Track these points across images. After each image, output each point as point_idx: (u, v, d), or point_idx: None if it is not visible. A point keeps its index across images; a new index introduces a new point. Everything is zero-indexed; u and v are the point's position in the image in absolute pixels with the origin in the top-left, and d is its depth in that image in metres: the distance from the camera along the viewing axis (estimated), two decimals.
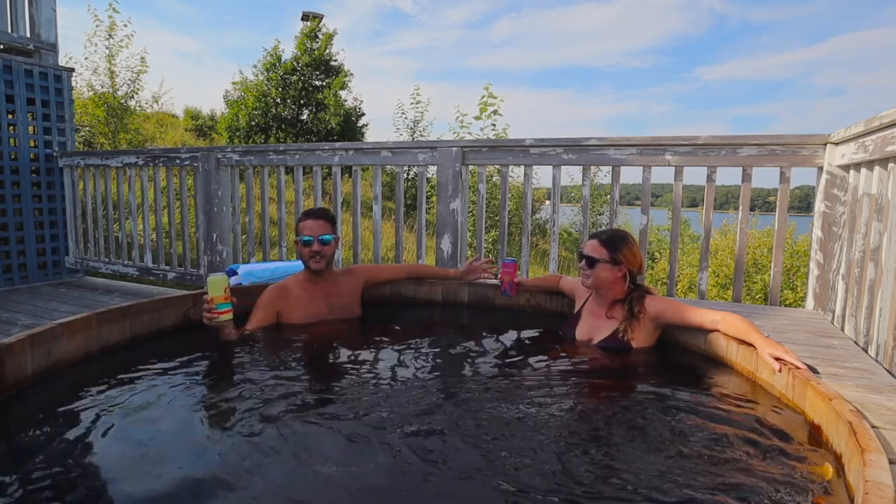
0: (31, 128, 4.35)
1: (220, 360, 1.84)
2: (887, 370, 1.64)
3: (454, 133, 8.37)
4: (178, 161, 3.92)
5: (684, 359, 1.91)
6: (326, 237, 2.19)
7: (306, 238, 2.17)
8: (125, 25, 8.80)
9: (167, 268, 4.17)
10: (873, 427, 1.18)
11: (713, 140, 2.51)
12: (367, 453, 1.22)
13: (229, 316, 1.89)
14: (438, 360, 1.96)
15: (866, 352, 1.84)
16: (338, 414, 1.43)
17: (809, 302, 2.49)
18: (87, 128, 8.84)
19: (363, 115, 14.99)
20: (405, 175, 9.20)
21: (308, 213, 2.25)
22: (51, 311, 3.58)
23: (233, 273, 2.78)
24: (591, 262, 1.98)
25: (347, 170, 8.53)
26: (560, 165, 2.88)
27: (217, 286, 1.86)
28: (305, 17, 14.53)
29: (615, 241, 1.97)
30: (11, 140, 4.23)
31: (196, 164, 3.76)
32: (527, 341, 2.18)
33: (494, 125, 7.98)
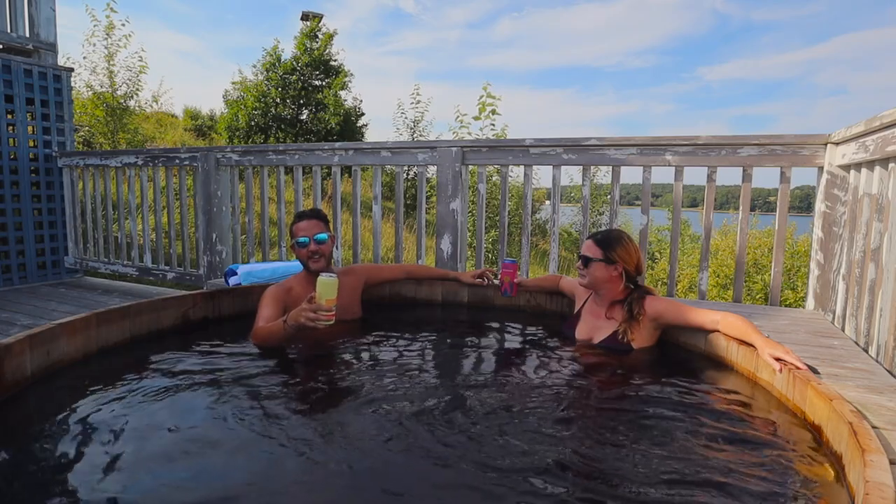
0: (30, 128, 4.35)
1: (219, 361, 1.83)
2: (888, 370, 1.64)
3: (454, 133, 8.36)
4: (177, 161, 3.92)
5: (684, 359, 1.91)
6: (322, 235, 2.19)
7: (302, 240, 2.16)
8: (123, 25, 8.81)
9: (167, 268, 4.16)
10: (874, 427, 1.18)
11: (713, 140, 2.51)
12: (368, 453, 1.21)
13: (333, 319, 1.78)
14: (438, 361, 1.96)
15: (867, 352, 1.83)
16: (338, 414, 1.43)
17: (810, 302, 2.49)
18: (87, 128, 8.84)
19: (363, 114, 15.00)
20: (405, 175, 9.20)
21: (301, 215, 2.23)
22: (50, 311, 3.58)
23: (232, 273, 2.78)
24: (586, 262, 1.99)
25: (347, 170, 8.53)
26: (560, 165, 2.87)
27: (333, 288, 1.72)
28: (305, 17, 14.54)
29: (610, 241, 1.98)
30: (11, 140, 4.22)
31: (195, 164, 3.75)
32: (527, 341, 2.18)
33: (493, 125, 7.98)
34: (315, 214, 2.24)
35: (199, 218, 3.80)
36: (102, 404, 1.45)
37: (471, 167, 3.18)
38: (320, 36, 13.79)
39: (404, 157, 3.14)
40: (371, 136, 16.55)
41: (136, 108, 9.91)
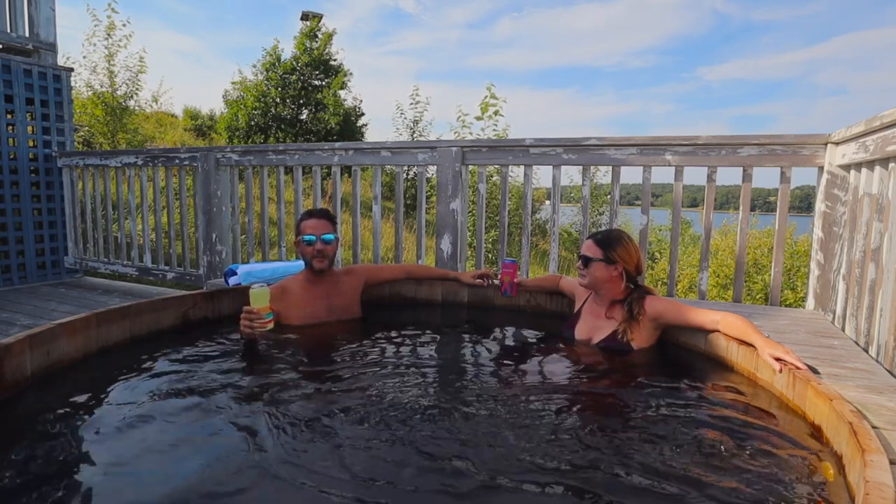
0: (30, 128, 4.34)
1: (219, 362, 1.83)
2: (888, 370, 1.64)
3: (455, 133, 8.37)
4: (177, 161, 3.92)
5: (684, 359, 1.91)
6: (329, 236, 2.20)
7: (309, 237, 2.17)
8: (124, 25, 8.82)
9: (166, 268, 4.16)
10: (874, 427, 1.18)
11: (713, 140, 2.51)
12: (367, 453, 1.21)
13: (272, 325, 1.92)
14: (438, 362, 1.96)
15: (867, 352, 1.83)
16: (338, 413, 1.43)
17: (810, 302, 2.49)
18: (86, 128, 8.84)
19: (363, 114, 15.01)
20: (405, 175, 9.20)
21: (310, 213, 2.25)
22: (50, 311, 3.58)
23: (232, 273, 2.78)
24: (587, 262, 1.99)
25: (347, 170, 8.53)
26: (560, 165, 2.87)
27: (263, 297, 1.89)
28: (305, 17, 14.55)
29: (610, 240, 1.98)
30: (10, 140, 4.22)
31: (195, 164, 3.75)
32: (527, 341, 2.18)
33: (496, 125, 7.98)
34: (325, 214, 2.26)
35: (198, 218, 3.80)
36: (102, 404, 1.45)
37: (471, 167, 3.18)
38: (320, 36, 13.80)
39: (404, 157, 3.14)
40: (371, 136, 16.57)
41: (136, 108, 9.91)
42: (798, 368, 1.46)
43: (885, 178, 1.82)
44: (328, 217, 2.25)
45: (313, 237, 2.17)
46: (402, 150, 3.14)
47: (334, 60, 14.04)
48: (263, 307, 1.89)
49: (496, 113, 7.78)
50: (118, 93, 9.01)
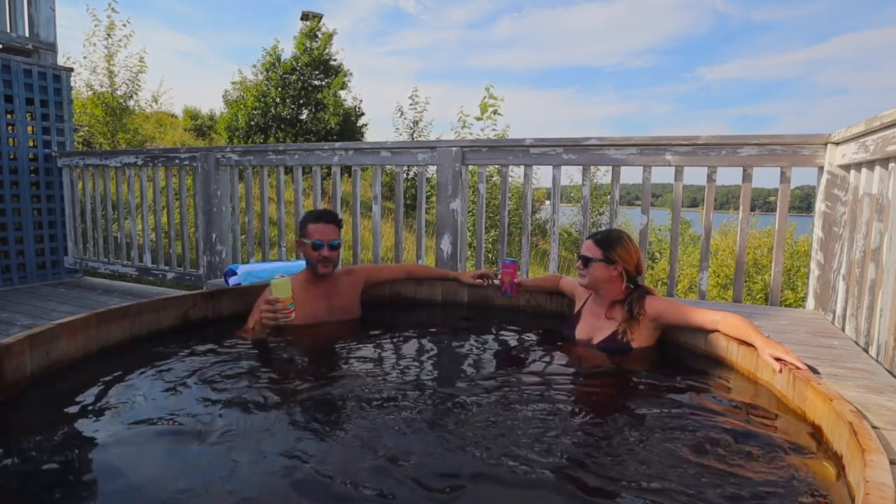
0: (29, 128, 4.35)
1: (219, 362, 1.83)
2: (888, 370, 1.64)
3: (455, 133, 8.38)
4: (177, 161, 3.92)
5: (684, 359, 1.91)
6: (336, 241, 2.19)
7: (318, 242, 2.15)
8: (124, 25, 8.83)
9: (166, 268, 4.16)
10: (874, 427, 1.18)
11: (713, 140, 2.51)
12: (366, 453, 1.21)
13: (294, 314, 1.95)
14: (438, 361, 1.96)
15: (867, 352, 1.83)
16: (337, 414, 1.43)
17: (810, 302, 2.49)
18: (86, 128, 8.85)
19: (363, 114, 15.02)
20: (405, 175, 9.20)
21: (319, 217, 2.21)
22: (50, 311, 3.58)
23: (232, 273, 2.78)
24: (586, 262, 1.99)
25: (347, 170, 8.53)
26: (560, 165, 2.87)
27: (285, 287, 1.91)
28: (305, 17, 14.56)
29: (609, 240, 1.98)
30: (10, 140, 4.22)
31: (195, 164, 3.75)
32: (527, 341, 2.18)
33: (495, 125, 7.99)
34: (333, 219, 2.23)
35: (198, 218, 3.80)
36: (102, 404, 1.45)
37: (471, 167, 3.18)
38: (320, 36, 13.80)
39: (404, 157, 3.14)
40: (371, 136, 16.61)
41: (136, 108, 9.92)
42: (798, 368, 1.46)
43: (885, 178, 1.82)
44: (336, 222, 2.23)
45: (321, 242, 2.15)
46: (402, 150, 3.14)
47: (334, 60, 14.05)
48: (287, 297, 1.90)
49: (495, 112, 7.79)
50: (118, 93, 9.01)
